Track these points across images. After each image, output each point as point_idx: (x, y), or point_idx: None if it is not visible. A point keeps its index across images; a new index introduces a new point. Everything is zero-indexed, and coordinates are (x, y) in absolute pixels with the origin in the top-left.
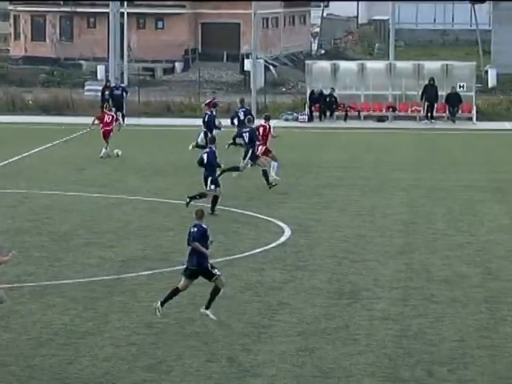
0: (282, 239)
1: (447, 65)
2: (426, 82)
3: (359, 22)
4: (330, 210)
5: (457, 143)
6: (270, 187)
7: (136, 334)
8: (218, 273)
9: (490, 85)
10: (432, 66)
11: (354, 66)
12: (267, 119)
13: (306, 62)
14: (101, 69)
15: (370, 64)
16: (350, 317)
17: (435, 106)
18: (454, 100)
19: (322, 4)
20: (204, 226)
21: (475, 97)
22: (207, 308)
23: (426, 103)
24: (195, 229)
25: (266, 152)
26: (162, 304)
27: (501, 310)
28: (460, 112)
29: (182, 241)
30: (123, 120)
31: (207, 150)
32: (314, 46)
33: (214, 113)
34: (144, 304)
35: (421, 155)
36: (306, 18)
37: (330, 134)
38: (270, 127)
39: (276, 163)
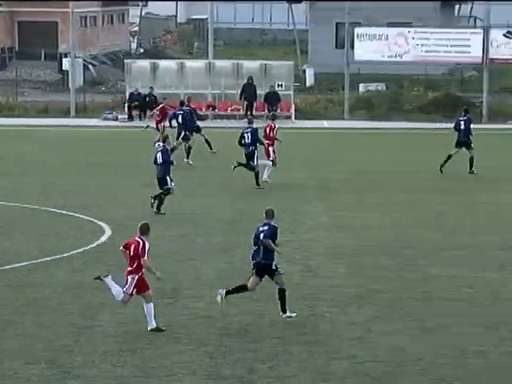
0: (103, 239)
1: (266, 64)
2: (245, 81)
3: (178, 21)
4: (153, 210)
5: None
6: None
7: None
8: (281, 271)
9: (307, 84)
10: (251, 65)
11: (173, 65)
12: (273, 118)
13: (126, 61)
14: None
15: (190, 63)
16: (172, 316)
17: (254, 104)
18: (272, 99)
19: (140, 3)
20: (275, 224)
21: (293, 95)
22: (285, 312)
23: (246, 102)
24: (265, 227)
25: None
26: (227, 293)
27: (320, 307)
28: (279, 111)
29: (4, 242)
30: None
31: (161, 148)
32: (134, 45)
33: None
34: None
35: (241, 153)
36: (125, 17)
37: (151, 132)
38: (275, 127)
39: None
